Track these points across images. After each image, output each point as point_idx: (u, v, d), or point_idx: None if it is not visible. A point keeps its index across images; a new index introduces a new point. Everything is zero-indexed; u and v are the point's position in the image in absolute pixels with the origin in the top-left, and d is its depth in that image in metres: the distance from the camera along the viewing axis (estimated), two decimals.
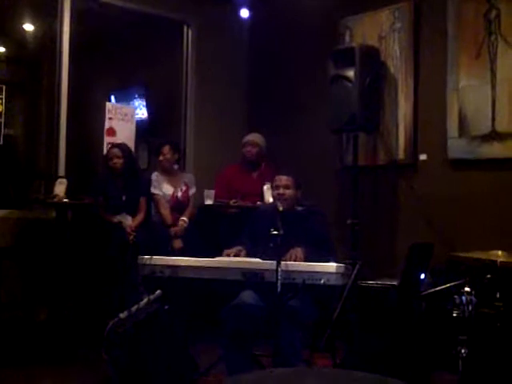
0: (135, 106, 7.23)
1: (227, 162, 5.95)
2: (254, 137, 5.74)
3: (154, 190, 5.54)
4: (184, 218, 5.49)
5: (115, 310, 3.91)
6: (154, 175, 5.61)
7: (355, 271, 4.38)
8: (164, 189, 5.57)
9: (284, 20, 6.32)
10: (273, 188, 4.19)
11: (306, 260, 3.76)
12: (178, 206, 5.60)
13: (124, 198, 5.38)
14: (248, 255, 4.00)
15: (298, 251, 3.80)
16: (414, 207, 5.31)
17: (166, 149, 5.62)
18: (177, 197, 5.60)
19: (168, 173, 5.64)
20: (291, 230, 3.69)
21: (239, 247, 4.07)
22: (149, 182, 5.56)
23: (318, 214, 4.18)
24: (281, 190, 4.08)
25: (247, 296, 3.83)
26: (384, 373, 2.54)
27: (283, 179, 4.12)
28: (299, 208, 4.16)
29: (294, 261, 3.72)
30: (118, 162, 5.37)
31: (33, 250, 5.37)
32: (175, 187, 5.62)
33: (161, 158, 5.61)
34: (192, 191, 5.68)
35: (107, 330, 3.62)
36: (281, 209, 3.78)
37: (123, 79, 7.65)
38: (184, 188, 5.66)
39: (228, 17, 6.32)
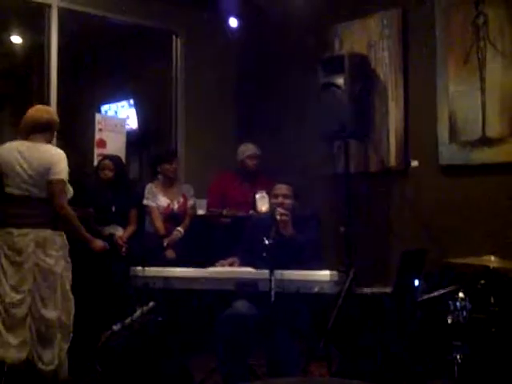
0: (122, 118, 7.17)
1: (218, 171, 5.93)
2: (255, 149, 5.70)
3: (147, 202, 5.49)
4: (180, 229, 5.43)
5: (108, 322, 3.89)
6: (148, 187, 5.55)
7: (349, 279, 4.37)
8: (159, 201, 5.49)
9: (273, 28, 6.32)
10: (271, 196, 4.13)
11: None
12: (172, 217, 5.50)
13: (114, 209, 5.34)
14: (242, 266, 3.97)
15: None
16: (407, 214, 5.32)
17: (177, 159, 5.67)
18: (172, 209, 5.52)
19: (167, 184, 5.58)
20: (286, 241, 3.69)
21: (233, 259, 4.05)
22: (141, 194, 5.52)
23: (310, 218, 4.16)
24: (279, 200, 4.01)
25: (241, 305, 3.81)
26: (379, 380, 2.53)
27: (283, 188, 4.05)
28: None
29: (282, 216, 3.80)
30: (110, 173, 5.35)
31: None
32: (171, 199, 5.53)
33: (174, 165, 5.57)
34: (190, 202, 5.62)
35: (101, 343, 3.61)
36: (278, 217, 3.77)
37: (113, 90, 7.63)
38: (181, 200, 5.58)
39: (217, 26, 6.31)
